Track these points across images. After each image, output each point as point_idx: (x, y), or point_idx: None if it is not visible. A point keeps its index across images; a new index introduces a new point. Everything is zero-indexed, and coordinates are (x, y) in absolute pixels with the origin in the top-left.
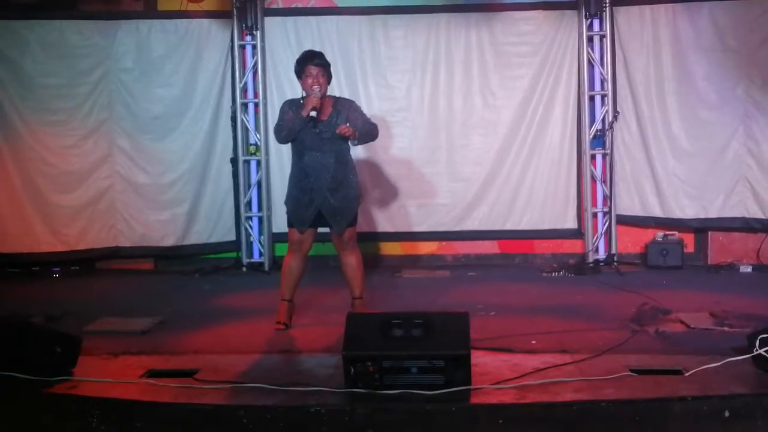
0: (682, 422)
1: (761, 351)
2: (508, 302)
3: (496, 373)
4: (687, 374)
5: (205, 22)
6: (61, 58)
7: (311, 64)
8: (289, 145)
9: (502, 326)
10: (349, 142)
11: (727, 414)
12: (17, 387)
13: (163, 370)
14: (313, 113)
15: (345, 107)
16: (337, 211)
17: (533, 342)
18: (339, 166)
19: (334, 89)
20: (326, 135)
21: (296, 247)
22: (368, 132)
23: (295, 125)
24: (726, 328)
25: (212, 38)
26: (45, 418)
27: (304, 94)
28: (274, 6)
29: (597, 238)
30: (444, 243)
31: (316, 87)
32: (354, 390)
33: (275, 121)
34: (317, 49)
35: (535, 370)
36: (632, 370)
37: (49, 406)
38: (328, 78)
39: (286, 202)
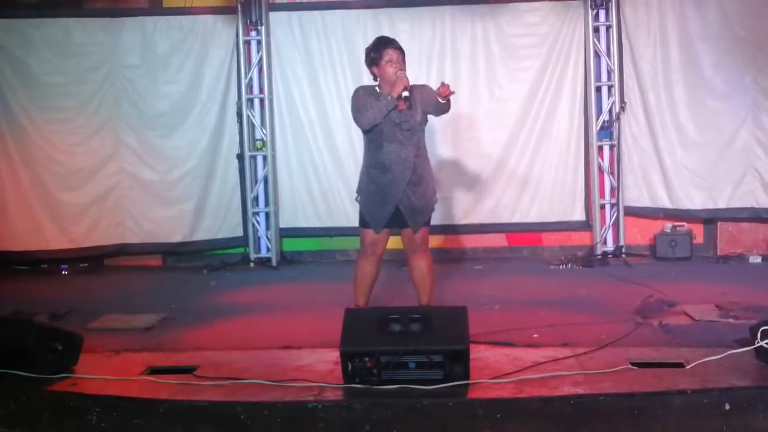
0: (682, 415)
1: (763, 343)
2: (513, 296)
3: (497, 367)
4: (688, 367)
5: (210, 18)
6: (66, 56)
7: (390, 47)
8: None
9: (505, 320)
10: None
11: (727, 407)
12: (18, 384)
13: (164, 367)
14: (405, 93)
15: (416, 92)
16: (416, 209)
17: (535, 335)
18: (419, 160)
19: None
20: (406, 127)
21: (370, 250)
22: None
23: (384, 107)
24: (731, 320)
25: (217, 34)
26: (45, 416)
27: (380, 84)
28: (278, 1)
29: (605, 229)
30: (451, 236)
31: (400, 72)
32: (352, 386)
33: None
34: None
35: (534, 364)
36: (633, 363)
37: (50, 404)
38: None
39: (360, 201)
